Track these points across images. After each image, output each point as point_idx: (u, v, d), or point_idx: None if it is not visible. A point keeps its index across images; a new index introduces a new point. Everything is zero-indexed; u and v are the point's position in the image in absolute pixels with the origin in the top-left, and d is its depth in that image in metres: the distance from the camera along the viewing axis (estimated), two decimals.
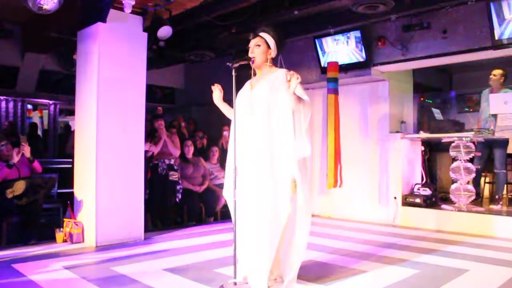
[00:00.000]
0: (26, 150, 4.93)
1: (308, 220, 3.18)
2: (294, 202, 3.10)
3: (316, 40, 6.57)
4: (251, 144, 3.19)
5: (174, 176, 6.07)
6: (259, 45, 3.27)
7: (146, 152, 5.58)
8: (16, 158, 4.88)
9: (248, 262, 3.16)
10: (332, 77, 6.19)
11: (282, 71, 3.23)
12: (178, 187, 6.10)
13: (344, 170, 6.24)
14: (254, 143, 3.18)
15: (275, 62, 3.38)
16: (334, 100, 6.14)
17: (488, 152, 6.27)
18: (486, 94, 6.24)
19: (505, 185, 6.25)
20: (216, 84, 3.45)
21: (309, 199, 3.17)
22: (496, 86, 6.07)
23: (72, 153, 5.85)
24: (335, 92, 6.17)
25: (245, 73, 3.30)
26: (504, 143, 6.01)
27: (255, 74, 3.36)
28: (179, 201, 6.13)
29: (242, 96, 3.32)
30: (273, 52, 3.28)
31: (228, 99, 3.40)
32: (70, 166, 6.29)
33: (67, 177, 5.85)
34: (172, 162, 6.10)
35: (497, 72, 6.07)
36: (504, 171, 6.12)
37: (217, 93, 3.46)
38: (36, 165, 5.13)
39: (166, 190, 6.01)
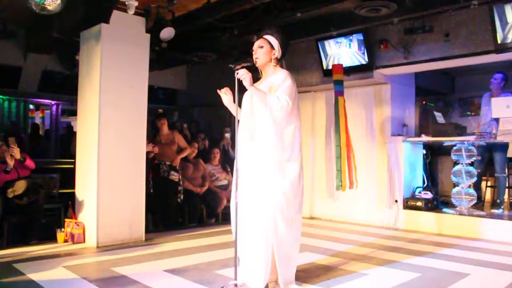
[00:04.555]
0: (16, 152, 4.84)
1: (288, 221, 3.12)
2: (271, 203, 3.09)
3: (318, 43, 6.56)
4: (250, 146, 3.20)
5: (174, 176, 6.06)
6: (262, 47, 3.29)
7: (148, 153, 5.58)
8: (11, 163, 4.85)
9: (246, 264, 3.17)
10: (338, 80, 6.19)
11: (283, 73, 3.24)
12: (179, 188, 6.10)
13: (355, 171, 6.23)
14: (252, 145, 3.19)
15: (280, 63, 3.36)
16: (343, 102, 6.14)
17: (488, 156, 6.27)
18: (487, 98, 6.24)
19: (507, 189, 6.25)
20: (225, 88, 3.34)
21: (290, 202, 3.14)
22: (496, 90, 6.07)
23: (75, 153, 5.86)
24: (342, 94, 6.17)
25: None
26: (504, 147, 6.00)
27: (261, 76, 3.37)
28: (180, 202, 6.13)
29: (246, 98, 3.34)
30: (277, 53, 3.29)
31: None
32: (72, 166, 6.31)
33: (68, 177, 5.85)
34: (173, 163, 6.11)
35: (498, 76, 6.07)
36: (505, 175, 6.12)
37: (226, 97, 3.34)
38: (29, 163, 5.03)
39: (167, 191, 6.01)
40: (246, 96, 3.35)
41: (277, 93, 3.10)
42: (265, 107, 3.08)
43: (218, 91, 3.36)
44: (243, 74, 3.04)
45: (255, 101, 3.18)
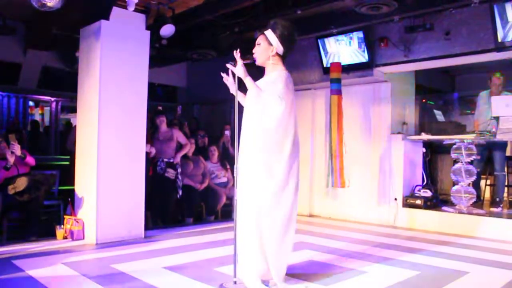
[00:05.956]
0: (16, 149, 4.85)
1: (276, 219, 3.11)
2: (257, 203, 3.08)
3: (318, 40, 6.56)
4: (244, 143, 3.21)
5: (170, 173, 6.05)
6: (259, 44, 3.25)
7: (147, 153, 5.58)
8: (11, 160, 4.85)
9: (241, 261, 3.18)
10: (335, 78, 6.20)
11: (278, 73, 3.18)
12: (176, 185, 6.09)
13: (346, 170, 6.24)
14: (246, 142, 3.20)
15: (282, 59, 3.29)
16: (337, 100, 6.14)
17: (487, 154, 6.28)
18: (485, 96, 6.26)
19: (506, 188, 6.25)
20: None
21: (276, 202, 3.11)
22: (495, 89, 6.08)
23: (72, 149, 5.85)
24: (339, 93, 6.18)
25: (250, 72, 3.27)
26: (503, 145, 6.03)
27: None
28: (179, 198, 6.13)
29: (246, 95, 3.33)
30: (275, 49, 3.22)
31: (231, 98, 3.38)
32: (68, 163, 6.32)
33: (68, 174, 5.85)
34: (171, 160, 6.11)
35: (497, 75, 6.08)
36: (504, 173, 6.12)
37: (228, 83, 3.35)
38: (29, 160, 5.05)
39: (165, 188, 6.01)
40: (247, 94, 3.34)
41: (269, 93, 3.06)
42: (257, 102, 3.06)
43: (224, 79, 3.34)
44: (236, 67, 3.07)
45: (250, 96, 3.16)
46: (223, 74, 3.34)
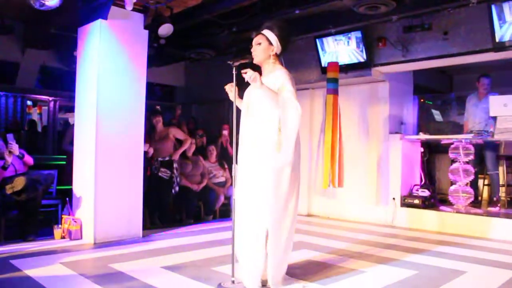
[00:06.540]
0: (14, 148, 4.82)
1: (282, 221, 3.11)
2: (263, 208, 3.07)
3: (317, 40, 6.57)
4: (245, 143, 3.21)
5: (164, 173, 6.04)
6: (259, 43, 3.24)
7: (145, 152, 5.58)
8: (9, 159, 4.84)
9: (242, 260, 3.18)
10: (332, 78, 6.20)
11: (281, 72, 3.18)
12: (172, 180, 6.09)
13: (336, 169, 6.22)
14: (247, 142, 3.19)
15: (280, 59, 3.30)
16: (333, 100, 6.14)
17: (479, 154, 6.31)
18: (473, 98, 6.29)
19: (504, 187, 6.26)
20: (230, 84, 3.31)
21: (281, 201, 3.09)
22: (483, 90, 6.12)
23: (68, 149, 5.85)
24: (335, 92, 6.17)
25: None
26: (494, 145, 6.05)
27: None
28: (177, 197, 6.12)
29: (245, 95, 3.32)
30: (275, 49, 3.22)
31: (229, 98, 3.38)
32: (65, 162, 6.31)
33: (66, 173, 5.84)
34: (166, 159, 6.10)
35: (484, 77, 6.11)
36: (497, 171, 6.15)
37: (231, 93, 3.33)
38: (27, 159, 5.06)
39: (160, 188, 6.02)
40: (246, 95, 3.33)
41: (284, 97, 3.04)
42: (276, 107, 3.04)
43: (225, 86, 3.33)
44: (251, 76, 2.98)
45: (261, 101, 3.14)
46: (227, 87, 3.32)
